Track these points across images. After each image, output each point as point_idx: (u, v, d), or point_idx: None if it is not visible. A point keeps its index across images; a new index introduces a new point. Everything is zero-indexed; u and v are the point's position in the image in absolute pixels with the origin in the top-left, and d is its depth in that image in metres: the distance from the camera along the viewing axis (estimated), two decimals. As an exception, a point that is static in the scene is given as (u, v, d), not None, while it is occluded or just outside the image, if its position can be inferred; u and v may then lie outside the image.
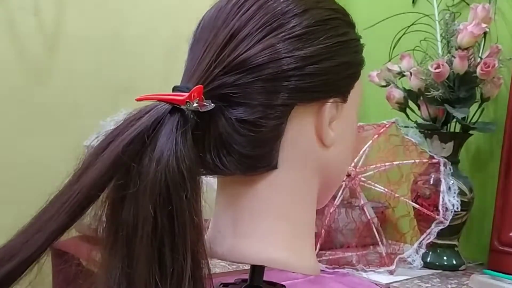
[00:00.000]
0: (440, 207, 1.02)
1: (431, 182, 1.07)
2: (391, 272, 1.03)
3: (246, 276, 0.51)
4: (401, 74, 1.14)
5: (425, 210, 1.05)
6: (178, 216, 0.41)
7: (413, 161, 1.10)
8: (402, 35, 1.16)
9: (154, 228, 0.40)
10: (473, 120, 1.11)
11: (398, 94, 1.14)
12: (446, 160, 1.07)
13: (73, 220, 0.40)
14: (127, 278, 0.41)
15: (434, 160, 1.07)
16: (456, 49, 1.05)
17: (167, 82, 0.48)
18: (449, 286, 0.99)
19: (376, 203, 1.19)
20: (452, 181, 1.05)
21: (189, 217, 0.41)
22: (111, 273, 0.41)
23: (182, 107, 0.43)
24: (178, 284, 0.40)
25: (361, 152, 1.10)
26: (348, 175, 1.07)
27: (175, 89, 0.46)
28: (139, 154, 0.41)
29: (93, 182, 0.41)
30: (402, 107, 1.15)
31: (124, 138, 0.41)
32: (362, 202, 1.11)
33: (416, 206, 1.07)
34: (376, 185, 1.09)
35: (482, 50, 1.09)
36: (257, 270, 0.51)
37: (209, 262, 0.43)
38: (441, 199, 1.02)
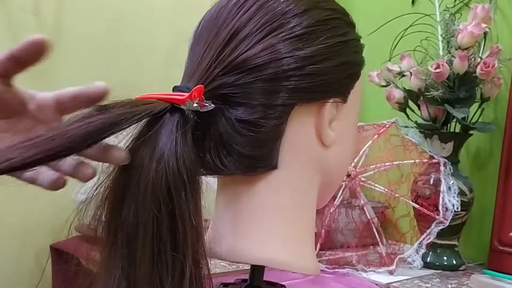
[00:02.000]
0: (440, 207, 1.02)
1: (431, 182, 1.07)
2: (391, 272, 1.03)
3: (246, 276, 0.52)
4: (401, 74, 1.14)
5: (425, 210, 1.05)
6: (178, 216, 0.41)
7: (413, 161, 1.10)
8: (402, 35, 1.16)
9: (154, 227, 0.40)
10: (473, 120, 1.11)
11: (398, 94, 1.14)
12: (446, 160, 1.07)
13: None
14: (127, 278, 0.41)
15: (434, 160, 1.07)
16: (456, 49, 1.05)
17: (167, 82, 0.47)
18: (449, 286, 0.99)
19: (376, 203, 1.19)
20: (452, 181, 1.05)
21: (189, 217, 0.41)
22: (111, 273, 0.41)
23: (182, 107, 0.43)
24: (179, 283, 0.40)
25: (361, 152, 1.10)
26: (348, 175, 1.07)
27: (175, 89, 0.45)
28: (138, 152, 0.41)
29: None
30: (402, 107, 1.15)
31: (114, 112, 0.40)
32: (362, 202, 1.10)
33: (416, 206, 1.07)
34: (376, 185, 1.08)
35: (482, 50, 1.09)
36: (257, 270, 0.51)
37: (209, 262, 0.43)
38: (441, 199, 1.02)
